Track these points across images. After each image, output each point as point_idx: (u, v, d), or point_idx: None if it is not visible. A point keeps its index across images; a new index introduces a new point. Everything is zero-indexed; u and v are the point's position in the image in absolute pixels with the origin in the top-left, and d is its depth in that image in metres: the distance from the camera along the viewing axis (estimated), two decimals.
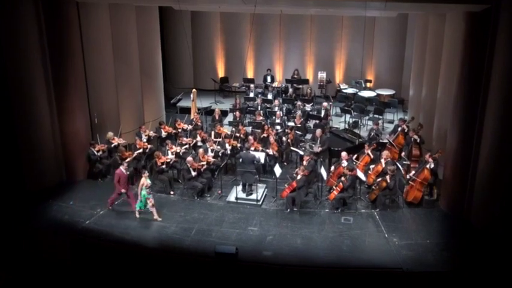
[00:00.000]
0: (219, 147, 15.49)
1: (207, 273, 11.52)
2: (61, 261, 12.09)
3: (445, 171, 13.67)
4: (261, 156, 14.69)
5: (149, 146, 15.60)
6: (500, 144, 11.79)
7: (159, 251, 11.94)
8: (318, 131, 15.85)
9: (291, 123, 17.42)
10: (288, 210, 13.64)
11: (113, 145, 15.42)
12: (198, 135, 16.49)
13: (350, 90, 20.47)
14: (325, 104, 18.32)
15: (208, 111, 19.20)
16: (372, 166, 14.53)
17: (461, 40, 12.49)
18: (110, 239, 12.31)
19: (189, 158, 14.28)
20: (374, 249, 12.07)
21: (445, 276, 11.15)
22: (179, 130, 16.88)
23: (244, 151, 14.72)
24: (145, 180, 12.89)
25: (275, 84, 21.04)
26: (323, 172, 14.04)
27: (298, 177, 13.49)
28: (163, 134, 16.64)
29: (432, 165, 13.67)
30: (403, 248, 12.00)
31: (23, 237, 12.66)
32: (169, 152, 15.08)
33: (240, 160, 14.40)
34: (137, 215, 13.15)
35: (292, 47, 21.93)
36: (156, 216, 13.08)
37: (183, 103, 20.24)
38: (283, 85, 21.16)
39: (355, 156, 14.88)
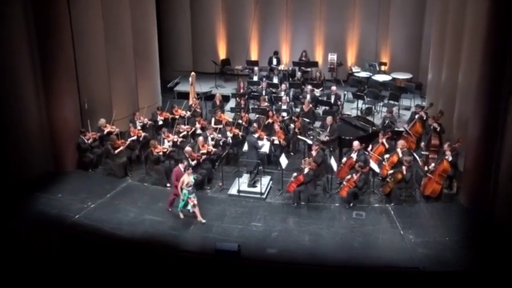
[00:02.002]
0: (219, 135, 15.47)
1: (207, 272, 11.53)
2: (49, 258, 12.11)
3: (466, 162, 13.62)
4: (265, 145, 14.67)
5: (144, 134, 15.64)
6: None
7: (154, 248, 11.96)
8: (329, 119, 15.80)
9: (299, 110, 17.37)
10: (295, 204, 13.63)
11: (105, 132, 15.43)
12: (197, 123, 16.48)
13: (363, 74, 20.38)
14: (333, 88, 18.26)
15: (208, 96, 19.14)
16: (386, 156, 14.48)
17: (485, 19, 12.38)
18: (102, 235, 12.34)
19: (188, 148, 14.27)
20: (388, 247, 12.06)
21: (465, 276, 11.14)
22: (176, 117, 16.86)
23: (248, 135, 14.72)
24: (187, 178, 12.65)
25: (281, 67, 20.96)
26: (333, 163, 14.02)
27: (306, 170, 13.47)
28: (160, 121, 16.64)
29: (450, 158, 13.61)
30: (419, 246, 11.99)
31: (7, 232, 12.68)
32: (165, 141, 15.08)
33: (245, 149, 14.35)
34: (181, 216, 12.96)
35: (300, 26, 21.80)
36: (199, 218, 12.83)
37: (180, 87, 20.18)
38: (290, 68, 21.07)
39: (369, 146, 14.83)
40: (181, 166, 12.98)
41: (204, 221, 12.80)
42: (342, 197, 13.72)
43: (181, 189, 12.65)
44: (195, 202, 12.76)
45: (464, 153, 13.81)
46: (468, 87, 14.29)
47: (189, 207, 12.76)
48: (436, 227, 12.72)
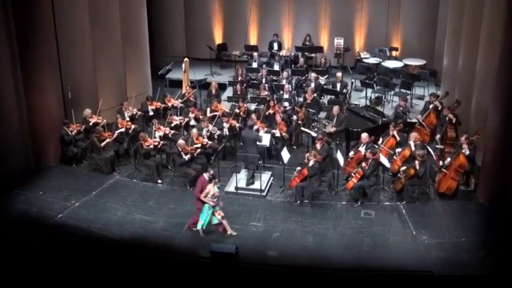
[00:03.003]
0: (215, 127, 15.45)
1: (202, 276, 11.55)
2: (29, 261, 12.11)
3: (485, 156, 13.61)
4: (265, 138, 14.65)
5: (133, 126, 15.63)
6: None
7: (144, 250, 11.96)
8: (335, 109, 15.79)
9: (302, 99, 17.36)
10: (298, 202, 13.64)
11: (90, 124, 15.42)
12: (190, 113, 16.48)
13: (372, 60, 20.35)
14: (339, 74, 18.24)
15: (203, 85, 19.14)
16: (398, 150, 14.47)
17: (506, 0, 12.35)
18: (87, 236, 12.33)
19: (181, 141, 14.27)
20: (399, 249, 12.08)
21: (483, 280, 11.15)
22: (168, 107, 16.86)
23: (246, 129, 14.67)
24: (212, 189, 12.13)
25: (283, 53, 20.92)
26: (339, 157, 14.01)
27: (310, 163, 13.46)
28: (150, 111, 16.62)
29: (467, 152, 13.59)
30: (433, 248, 12.00)
31: None
32: (156, 133, 15.07)
33: (241, 143, 14.36)
34: (201, 234, 12.34)
35: (304, 8, 21.74)
36: (230, 231, 12.35)
37: (173, 75, 20.15)
38: (293, 54, 21.04)
39: (379, 139, 14.82)
40: (205, 176, 12.42)
41: (234, 233, 12.39)
42: (349, 193, 13.72)
43: (201, 201, 12.22)
44: (223, 214, 12.33)
45: (482, 146, 13.80)
46: (487, 74, 14.24)
47: (214, 221, 12.31)
48: (451, 227, 12.72)
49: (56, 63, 15.12)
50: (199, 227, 12.30)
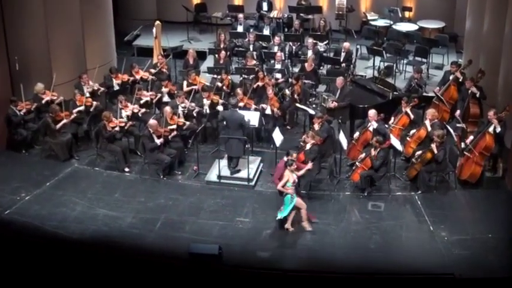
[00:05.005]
0: (193, 104, 15.42)
1: (178, 282, 11.55)
2: None
3: None
4: (253, 117, 14.64)
5: (94, 103, 15.62)
6: None
7: (109, 252, 11.94)
8: (339, 80, 15.78)
9: (297, 70, 17.32)
10: None
11: (43, 102, 15.33)
12: (163, 88, 16.48)
13: (381, 23, 20.39)
14: (346, 44, 18.21)
15: (179, 53, 19.12)
16: (412, 131, 14.50)
17: None
18: (40, 235, 12.30)
19: (152, 121, 14.21)
20: (414, 248, 12.17)
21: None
22: (137, 80, 16.81)
23: (229, 109, 14.63)
24: (291, 175, 12.32)
25: (274, 14, 20.89)
26: (342, 139, 14.01)
27: (307, 147, 13.46)
28: (115, 85, 16.58)
29: (498, 129, 13.63)
30: (454, 246, 12.08)
31: None
32: (123, 112, 15.04)
33: (224, 122, 14.35)
34: (290, 228, 12.55)
35: None
36: (308, 227, 12.63)
37: (141, 41, 20.08)
38: (286, 15, 21.04)
39: (391, 118, 14.84)
40: (285, 159, 12.58)
41: (309, 228, 12.55)
42: (354, 182, 13.76)
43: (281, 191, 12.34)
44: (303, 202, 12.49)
45: None
46: None
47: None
48: (475, 221, 12.81)
49: (1, 29, 14.99)
50: (279, 216, 12.37)
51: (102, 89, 16.39)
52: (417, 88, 16.18)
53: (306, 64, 17.18)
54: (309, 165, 12.78)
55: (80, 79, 16.18)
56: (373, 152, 13.45)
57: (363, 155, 13.74)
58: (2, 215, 12.90)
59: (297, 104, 15.91)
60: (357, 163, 13.73)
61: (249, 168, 14.06)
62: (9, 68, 15.39)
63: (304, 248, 12.14)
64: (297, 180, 12.40)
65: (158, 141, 14.10)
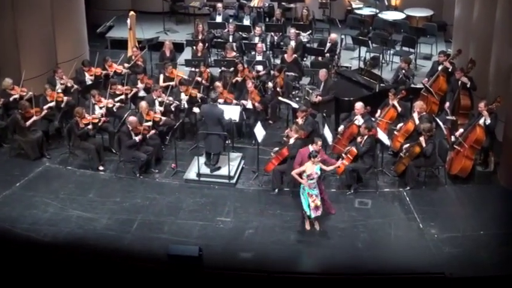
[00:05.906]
0: (170, 98, 15.42)
1: (157, 284, 11.54)
2: None
3: (507, 129, 13.76)
4: (234, 111, 14.63)
5: (66, 99, 15.51)
6: None
7: (83, 255, 11.90)
8: (322, 73, 15.79)
9: (279, 61, 17.33)
10: (276, 190, 13.71)
11: (11, 98, 15.25)
12: (139, 82, 16.43)
13: (367, 11, 20.43)
14: (334, 36, 18.24)
15: (155, 45, 19.09)
16: (399, 125, 14.56)
17: None
18: (10, 238, 12.27)
19: (133, 118, 14.17)
20: (403, 246, 12.23)
21: (506, 282, 11.29)
22: (111, 74, 16.78)
23: (208, 104, 14.62)
24: (311, 167, 12.12)
25: (254, 3, 20.85)
26: (327, 133, 14.05)
27: (291, 141, 13.48)
28: (88, 80, 16.52)
29: (488, 121, 13.72)
30: (445, 244, 12.15)
31: None
32: (96, 108, 14.99)
33: (202, 118, 14.33)
34: (317, 227, 12.60)
35: None
36: (318, 227, 12.65)
37: (115, 33, 19.99)
38: (267, 4, 21.00)
39: (377, 111, 14.89)
40: (311, 148, 12.47)
41: (318, 228, 12.59)
42: (339, 178, 13.79)
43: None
44: (318, 203, 12.28)
45: (504, 117, 13.93)
46: (509, 27, 14.35)
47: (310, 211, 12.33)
48: (466, 217, 12.89)
49: None
50: (309, 215, 12.33)
51: (75, 86, 16.27)
52: (405, 79, 16.24)
53: (285, 55, 17.18)
54: (339, 162, 12.82)
55: (55, 73, 16.09)
56: (359, 139, 13.51)
57: (348, 148, 13.78)
58: None
59: (280, 98, 15.92)
60: (343, 155, 13.74)
61: (229, 166, 14.07)
62: None
63: (288, 248, 12.16)
64: (319, 173, 12.22)
65: (137, 138, 14.06)
